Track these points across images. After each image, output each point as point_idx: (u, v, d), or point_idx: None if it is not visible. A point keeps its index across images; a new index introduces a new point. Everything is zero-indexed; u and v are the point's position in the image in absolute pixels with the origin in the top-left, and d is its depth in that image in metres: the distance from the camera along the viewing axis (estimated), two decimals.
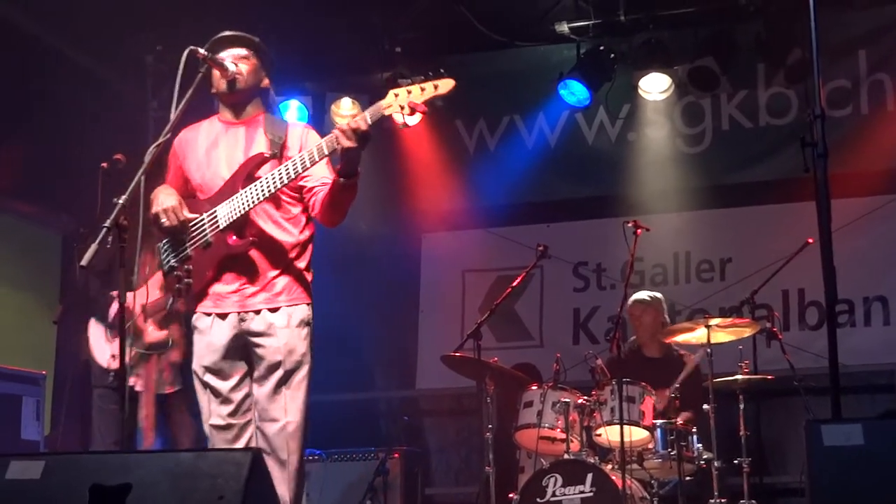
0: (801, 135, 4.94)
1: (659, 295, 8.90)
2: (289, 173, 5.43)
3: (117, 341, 6.94)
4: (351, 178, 5.44)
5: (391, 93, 5.28)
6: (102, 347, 7.12)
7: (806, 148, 4.92)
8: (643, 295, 8.85)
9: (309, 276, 5.77)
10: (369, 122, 5.28)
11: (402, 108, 5.25)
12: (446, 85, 5.27)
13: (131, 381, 7.07)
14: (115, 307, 7.08)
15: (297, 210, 5.74)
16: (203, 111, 5.98)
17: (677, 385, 8.12)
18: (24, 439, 7.94)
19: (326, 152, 5.37)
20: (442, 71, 5.27)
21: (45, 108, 9.18)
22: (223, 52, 5.72)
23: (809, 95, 5.13)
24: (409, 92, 5.25)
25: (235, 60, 5.70)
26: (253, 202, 5.50)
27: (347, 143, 5.27)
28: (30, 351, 9.45)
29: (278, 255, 5.67)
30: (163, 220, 5.58)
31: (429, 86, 5.25)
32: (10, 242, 9.79)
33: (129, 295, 5.82)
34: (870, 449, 3.62)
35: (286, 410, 5.58)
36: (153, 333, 7.05)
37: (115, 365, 6.99)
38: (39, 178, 9.55)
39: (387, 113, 5.29)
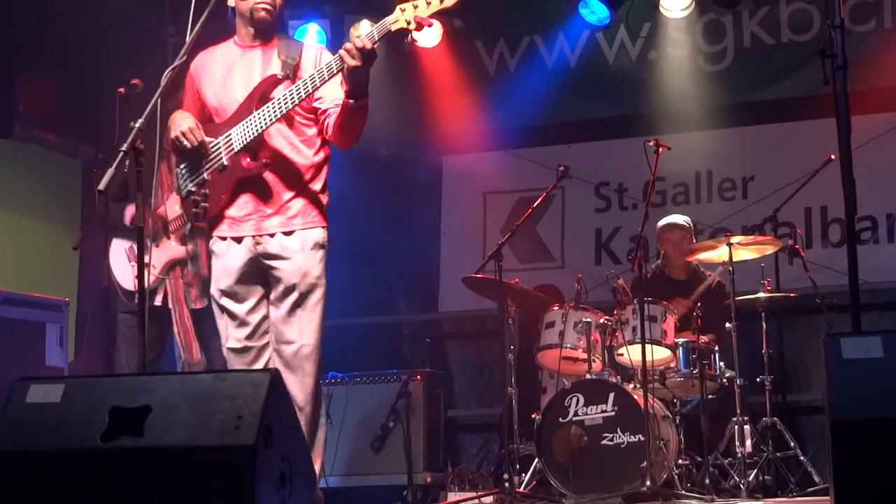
0: (821, 48, 4.88)
1: (688, 219, 8.86)
2: (300, 93, 5.44)
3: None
4: (360, 100, 5.43)
5: (398, 8, 5.28)
6: (126, 269, 7.10)
7: (825, 60, 4.86)
8: (679, 219, 8.82)
9: (324, 199, 5.78)
10: (376, 38, 5.27)
11: (409, 22, 5.24)
12: None
13: (157, 299, 7.08)
14: (129, 212, 7.07)
15: (311, 131, 5.74)
16: (219, 36, 5.96)
17: (696, 297, 8.13)
18: (48, 365, 7.99)
19: (335, 70, 5.36)
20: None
21: (63, 38, 9.16)
22: None
23: (830, 9, 5.03)
24: (416, 6, 5.23)
25: None
26: (266, 123, 5.52)
27: (352, 63, 5.27)
28: (54, 278, 9.49)
29: (293, 177, 5.68)
30: (183, 143, 5.60)
31: None
32: (32, 171, 9.80)
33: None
34: (889, 361, 3.61)
35: (301, 332, 5.63)
36: (175, 248, 7.04)
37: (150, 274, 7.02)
38: (60, 107, 9.55)
39: (393, 28, 5.28)
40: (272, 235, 5.66)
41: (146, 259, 6.79)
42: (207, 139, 5.65)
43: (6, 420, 3.97)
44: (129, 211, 7.09)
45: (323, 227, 5.75)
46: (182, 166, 5.79)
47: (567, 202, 10.34)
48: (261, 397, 3.85)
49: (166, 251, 7.04)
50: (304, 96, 5.46)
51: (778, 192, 9.03)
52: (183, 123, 5.65)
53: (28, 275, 9.26)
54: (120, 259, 7.18)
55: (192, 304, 7.05)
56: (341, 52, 5.32)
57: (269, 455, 3.84)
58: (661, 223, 8.84)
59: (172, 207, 6.92)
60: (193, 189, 5.71)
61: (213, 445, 3.81)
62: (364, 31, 5.34)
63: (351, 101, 5.44)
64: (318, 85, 5.43)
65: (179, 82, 5.89)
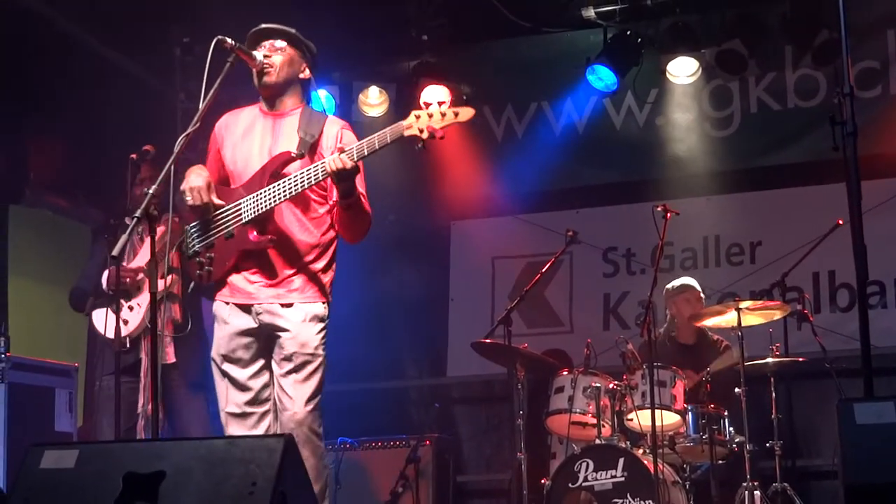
0: (830, 114, 4.93)
1: (695, 282, 8.88)
2: (316, 176, 5.48)
3: (123, 307, 6.98)
4: (348, 199, 5.52)
5: (413, 113, 5.36)
6: (111, 321, 7.05)
7: (835, 126, 4.90)
8: (688, 281, 8.84)
9: (326, 277, 5.82)
10: (355, 158, 5.39)
11: (422, 131, 5.29)
12: (466, 113, 5.37)
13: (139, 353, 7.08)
14: (104, 277, 7.06)
15: (322, 209, 5.79)
16: (249, 97, 6.01)
17: (709, 371, 8.12)
18: (57, 431, 7.98)
19: (320, 178, 5.48)
20: (465, 98, 5.33)
21: (74, 104, 9.21)
22: (261, 43, 5.77)
23: (838, 76, 5.09)
24: (431, 116, 5.30)
25: (270, 52, 5.74)
26: (276, 201, 5.56)
27: (336, 181, 5.40)
28: (63, 343, 9.51)
29: (296, 256, 5.73)
30: (187, 198, 5.63)
31: (450, 112, 5.33)
32: (43, 236, 9.86)
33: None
34: None
35: (294, 401, 5.64)
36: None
37: (130, 328, 7.00)
38: (71, 173, 9.63)
39: (406, 134, 5.34)
40: (271, 304, 5.68)
41: (129, 309, 6.84)
42: (218, 201, 5.68)
43: (21, 486, 3.98)
44: (105, 276, 7.06)
45: (323, 303, 5.77)
46: (193, 225, 5.82)
47: (575, 267, 10.36)
48: (275, 463, 3.85)
49: (146, 296, 7.01)
50: (318, 180, 5.51)
51: (786, 257, 9.03)
52: (194, 180, 5.67)
53: (37, 340, 9.28)
54: (101, 317, 7.15)
55: (163, 360, 7.01)
56: (327, 165, 5.40)
57: None
58: (672, 285, 8.84)
59: (145, 254, 6.94)
60: (200, 250, 5.74)
61: None
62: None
63: (342, 201, 5.55)
64: (319, 181, 5.51)
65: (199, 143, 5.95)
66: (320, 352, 5.72)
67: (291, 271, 5.70)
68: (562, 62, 10.09)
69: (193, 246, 5.79)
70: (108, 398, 7.08)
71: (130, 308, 7.10)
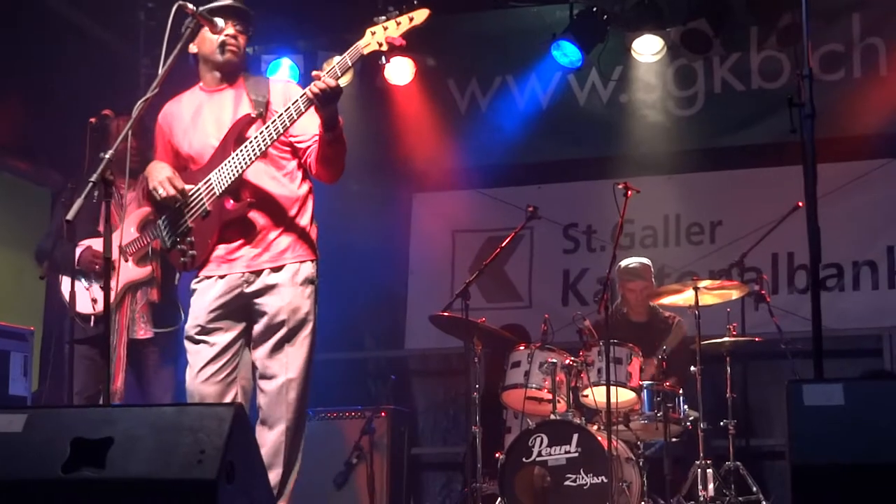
0: (789, 96, 4.93)
1: (648, 261, 8.89)
2: (277, 129, 5.42)
3: (95, 285, 6.94)
4: (334, 130, 5.44)
5: (368, 31, 5.29)
6: (82, 294, 7.02)
7: (793, 108, 4.91)
8: (633, 262, 8.84)
9: (313, 232, 5.77)
10: (338, 74, 5.29)
11: (381, 44, 5.25)
12: (421, 15, 5.28)
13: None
14: (78, 252, 7.02)
15: (292, 164, 5.73)
16: (184, 84, 5.96)
17: (665, 349, 8.15)
18: (11, 395, 7.94)
19: (303, 109, 5.36)
20: (415, 2, 5.26)
21: (38, 67, 9.13)
22: (221, 21, 5.72)
23: (800, 58, 5.09)
24: (386, 28, 5.25)
25: (236, 33, 5.71)
26: (245, 163, 5.49)
27: (319, 104, 5.29)
28: (21, 307, 9.46)
29: (278, 213, 5.66)
30: (160, 192, 5.58)
31: (404, 19, 5.27)
32: (3, 199, 9.78)
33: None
34: (850, 409, 3.64)
35: (287, 367, 5.60)
36: (133, 270, 6.99)
37: (98, 308, 6.96)
38: (32, 136, 9.54)
39: (365, 52, 5.29)
40: (261, 272, 5.63)
41: (100, 288, 6.79)
42: (188, 186, 5.63)
43: None
44: (78, 253, 7.02)
45: (312, 261, 5.72)
46: (162, 219, 5.76)
47: (536, 243, 10.38)
48: (224, 432, 3.83)
49: (125, 273, 6.96)
50: (281, 131, 5.43)
51: (745, 238, 9.09)
52: (160, 173, 5.63)
53: None
54: (77, 289, 7.12)
55: (134, 334, 7.00)
56: (308, 92, 5.32)
57: (231, 491, 3.82)
58: (625, 265, 8.81)
59: (128, 230, 6.91)
60: (178, 239, 5.68)
61: (175, 479, 3.79)
62: (335, 62, 5.34)
63: (327, 133, 5.46)
64: (295, 119, 5.39)
65: (148, 130, 5.92)
66: (312, 316, 5.68)
67: (277, 231, 5.63)
68: (527, 37, 10.05)
69: (171, 237, 5.73)
70: (80, 368, 7.03)
71: (101, 287, 7.06)
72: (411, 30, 5.27)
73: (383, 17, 5.28)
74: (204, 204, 5.59)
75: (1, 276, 9.63)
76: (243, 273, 5.63)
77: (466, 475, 8.05)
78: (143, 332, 7.04)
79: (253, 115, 5.62)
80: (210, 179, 5.58)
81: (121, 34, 9.76)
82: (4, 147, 9.44)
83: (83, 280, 7.04)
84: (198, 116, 5.77)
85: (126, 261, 6.98)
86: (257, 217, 5.62)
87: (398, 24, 5.25)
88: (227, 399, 5.66)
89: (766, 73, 9.72)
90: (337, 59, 5.35)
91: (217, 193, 5.56)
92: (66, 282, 7.13)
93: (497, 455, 7.67)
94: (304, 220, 5.73)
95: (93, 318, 7.01)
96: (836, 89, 9.41)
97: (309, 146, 5.65)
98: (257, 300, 5.63)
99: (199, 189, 5.61)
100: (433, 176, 10.67)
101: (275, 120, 5.43)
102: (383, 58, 5.35)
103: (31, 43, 9.11)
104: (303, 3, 9.75)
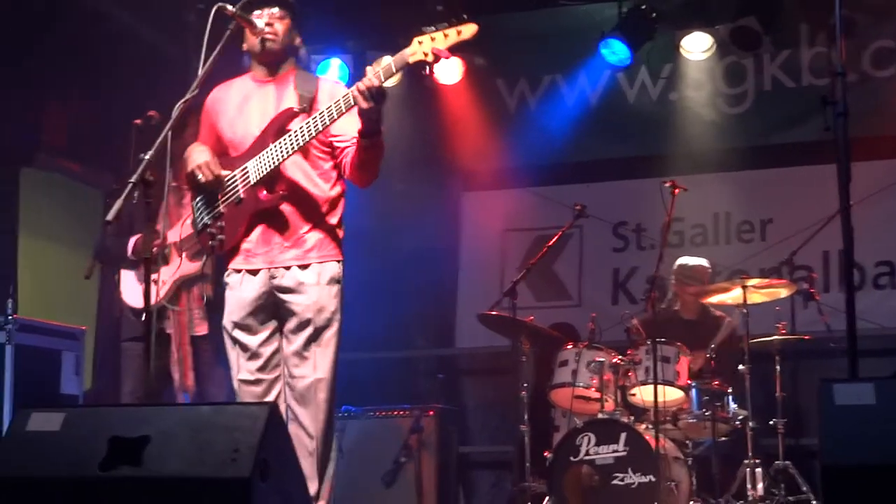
0: (822, 94, 4.90)
1: (707, 263, 8.79)
2: (317, 125, 5.43)
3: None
4: (373, 137, 5.45)
5: (415, 40, 5.26)
6: (136, 290, 7.06)
7: (827, 106, 4.88)
8: (692, 263, 8.78)
9: (340, 233, 5.78)
10: (382, 77, 5.27)
11: (427, 54, 5.24)
12: (469, 30, 5.24)
13: (166, 325, 7.07)
14: (131, 244, 7.07)
15: (328, 165, 5.74)
16: (237, 70, 6.01)
17: (713, 346, 8.11)
18: (63, 393, 8.02)
19: (344, 109, 5.37)
20: (465, 17, 5.26)
21: (89, 69, 9.23)
22: (258, 10, 5.76)
23: (849, 54, 5.06)
24: (433, 39, 5.23)
25: (271, 20, 5.73)
26: (283, 156, 5.52)
27: (363, 104, 5.28)
28: (75, 306, 9.54)
29: (309, 210, 5.68)
30: (198, 176, 5.64)
31: (452, 32, 5.23)
32: (55, 199, 9.88)
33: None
34: (881, 408, 3.62)
35: (315, 367, 5.62)
36: (186, 265, 7.03)
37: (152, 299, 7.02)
38: (86, 138, 9.64)
39: (411, 61, 5.27)
40: (288, 268, 5.66)
41: (153, 282, 6.84)
42: (224, 172, 5.69)
43: (6, 447, 4.02)
44: (132, 243, 7.08)
45: (338, 262, 5.74)
46: (198, 199, 5.82)
47: (585, 241, 10.36)
48: (258, 430, 3.87)
49: (177, 268, 7.02)
50: (320, 128, 5.44)
51: (796, 235, 9.00)
52: (199, 157, 5.68)
53: (49, 303, 9.32)
54: (130, 283, 7.18)
55: (194, 331, 7.06)
56: (352, 91, 5.33)
57: (265, 489, 3.85)
58: (685, 263, 8.77)
59: (186, 226, 6.96)
60: (209, 222, 5.74)
61: (210, 477, 3.83)
62: (383, 63, 5.35)
63: (364, 139, 5.48)
64: (335, 118, 5.40)
65: (193, 116, 5.95)
66: (338, 316, 5.69)
67: (306, 227, 5.66)
68: (576, 35, 10.04)
69: (203, 219, 5.79)
70: (130, 368, 7.13)
71: (155, 282, 7.09)
72: (458, 44, 5.29)
73: (432, 28, 5.27)
74: (238, 191, 5.64)
75: (56, 276, 9.71)
76: (269, 268, 5.66)
77: (515, 474, 8.05)
78: (200, 328, 7.10)
79: (296, 110, 5.65)
80: (247, 168, 5.62)
81: (172, 36, 9.84)
82: (57, 148, 9.54)
83: (136, 273, 7.09)
84: (245, 104, 5.81)
85: (179, 255, 7.03)
86: (288, 211, 5.65)
87: (446, 35, 5.23)
88: (272, 395, 5.70)
89: (816, 70, 9.66)
90: (386, 58, 5.36)
91: (252, 182, 5.60)
92: (125, 275, 7.20)
93: (545, 454, 7.67)
94: (334, 220, 5.75)
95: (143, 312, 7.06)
96: (888, 85, 9.32)
97: (347, 147, 5.66)
98: (285, 297, 5.66)
99: (234, 176, 5.66)
100: (482, 175, 10.69)
101: (316, 116, 5.45)
102: (429, 68, 5.34)
103: (83, 45, 9.19)
104: (351, 2, 9.78)
